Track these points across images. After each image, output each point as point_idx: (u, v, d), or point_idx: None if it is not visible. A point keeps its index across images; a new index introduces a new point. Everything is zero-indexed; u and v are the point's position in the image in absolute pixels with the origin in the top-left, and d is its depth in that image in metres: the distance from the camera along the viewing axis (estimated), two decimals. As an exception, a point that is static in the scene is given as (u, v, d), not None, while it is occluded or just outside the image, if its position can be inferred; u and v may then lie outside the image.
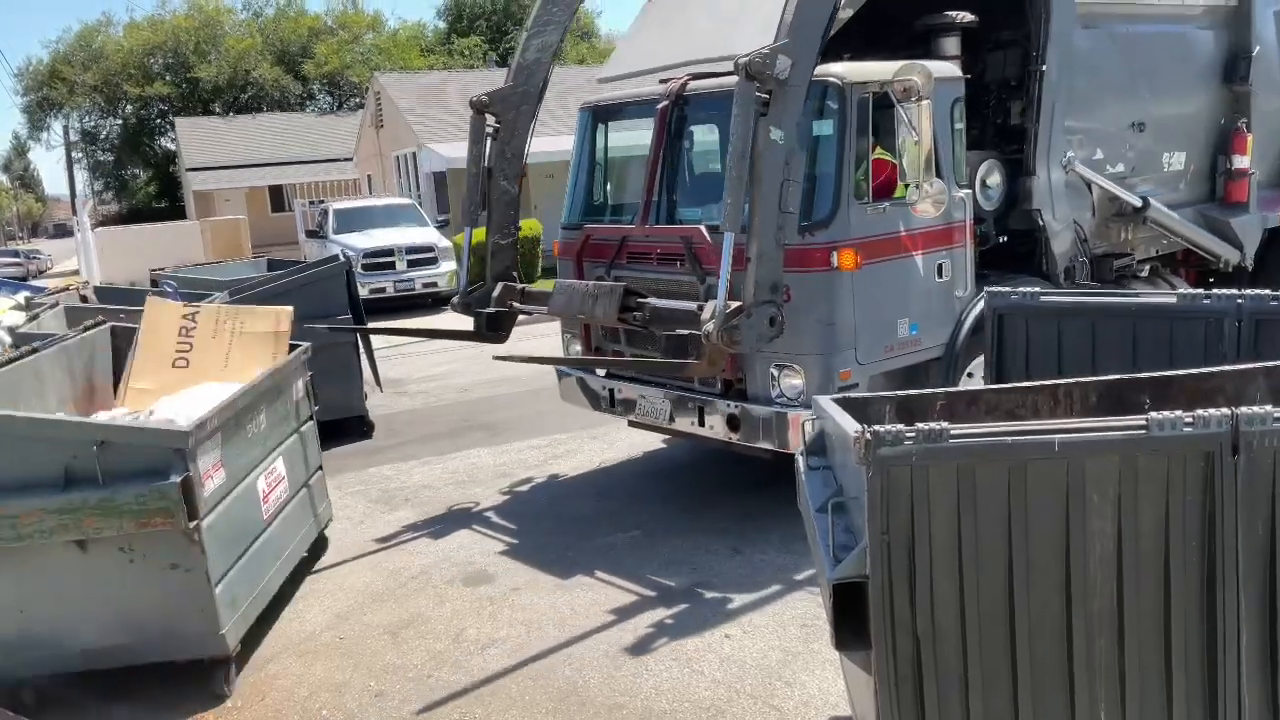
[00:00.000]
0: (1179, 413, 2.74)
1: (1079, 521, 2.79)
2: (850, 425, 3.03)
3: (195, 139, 38.19)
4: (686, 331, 5.43)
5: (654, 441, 8.07)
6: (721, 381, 6.04)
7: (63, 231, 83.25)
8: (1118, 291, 4.74)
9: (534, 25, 7.02)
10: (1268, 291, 4.00)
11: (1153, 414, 2.76)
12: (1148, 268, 7.63)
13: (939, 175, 5.64)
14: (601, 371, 6.88)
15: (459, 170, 22.78)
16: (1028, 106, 6.74)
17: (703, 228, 6.01)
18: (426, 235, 18.57)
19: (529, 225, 20.59)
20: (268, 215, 35.07)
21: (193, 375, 5.83)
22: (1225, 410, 2.73)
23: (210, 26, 47.57)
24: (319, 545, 6.24)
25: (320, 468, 6.23)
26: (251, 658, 4.93)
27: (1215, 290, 4.14)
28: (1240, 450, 2.71)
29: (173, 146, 43.76)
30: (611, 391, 6.76)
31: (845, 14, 5.82)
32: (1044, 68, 6.58)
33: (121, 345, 6.15)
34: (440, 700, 4.41)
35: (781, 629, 4.80)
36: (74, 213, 23.70)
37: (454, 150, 22.43)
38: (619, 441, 8.15)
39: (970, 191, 6.26)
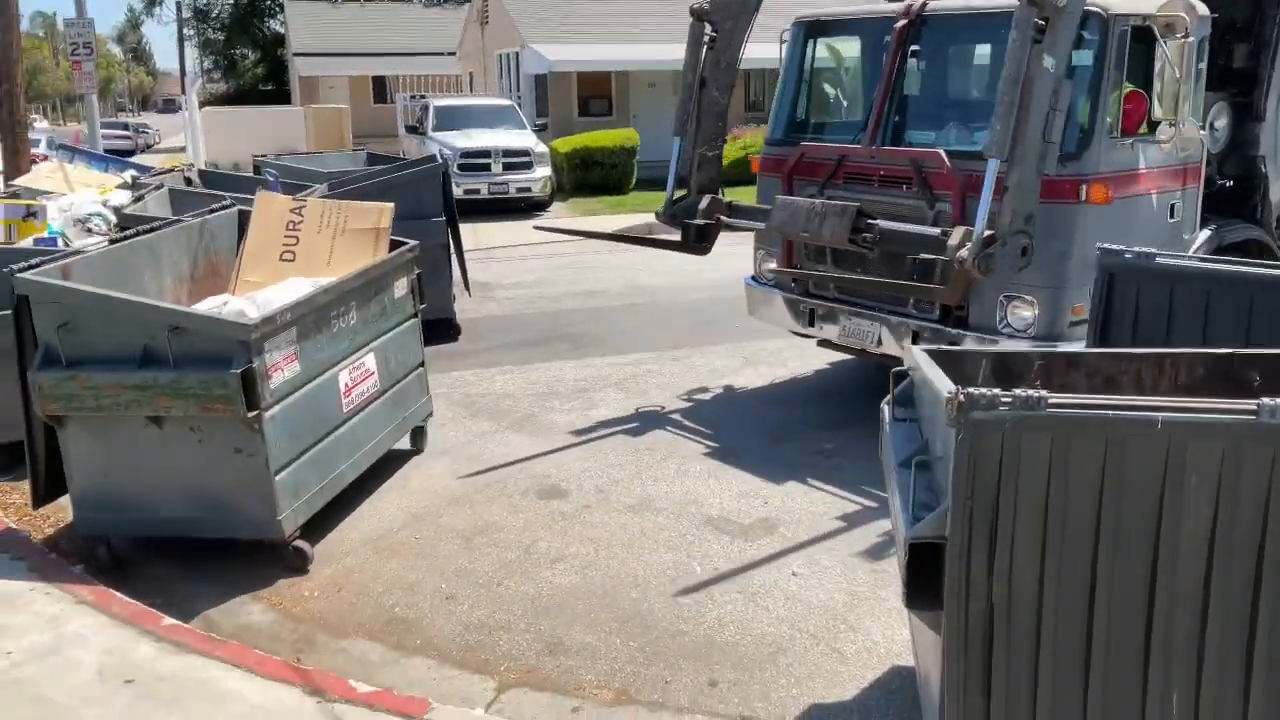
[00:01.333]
0: (1295, 401, 2.61)
1: (1174, 502, 2.69)
2: (944, 384, 2.94)
3: (304, 23, 38.38)
4: (933, 257, 5.50)
5: (733, 367, 8.03)
6: (940, 307, 6.09)
7: (171, 106, 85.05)
8: (1237, 260, 4.50)
9: None
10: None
11: (1264, 399, 2.62)
12: None
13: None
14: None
15: (560, 74, 22.73)
16: (1259, 49, 6.67)
17: (942, 152, 6.04)
18: (524, 139, 18.51)
19: (626, 135, 20.42)
20: (370, 105, 35.28)
21: (298, 268, 5.94)
22: (1344, 401, 2.59)
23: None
24: (420, 439, 6.38)
25: (423, 364, 6.30)
26: (330, 551, 5.09)
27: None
28: (1356, 445, 2.58)
29: (281, 29, 44.06)
30: (813, 310, 6.88)
31: None
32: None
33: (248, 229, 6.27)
34: (509, 609, 4.51)
35: (850, 571, 4.79)
36: (183, 90, 24.12)
37: (557, 52, 22.20)
38: (699, 367, 8.13)
39: (1205, 133, 6.26)
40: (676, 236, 7.34)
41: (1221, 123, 6.56)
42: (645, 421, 6.90)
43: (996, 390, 2.72)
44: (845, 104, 7.57)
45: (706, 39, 6.99)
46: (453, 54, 33.46)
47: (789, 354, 8.38)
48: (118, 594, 4.53)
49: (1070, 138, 5.66)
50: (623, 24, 24.81)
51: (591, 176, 19.86)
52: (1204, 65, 6.13)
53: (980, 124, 6.07)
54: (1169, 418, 2.66)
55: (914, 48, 6.51)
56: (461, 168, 17.28)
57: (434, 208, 8.79)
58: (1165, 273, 4.20)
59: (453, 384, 7.79)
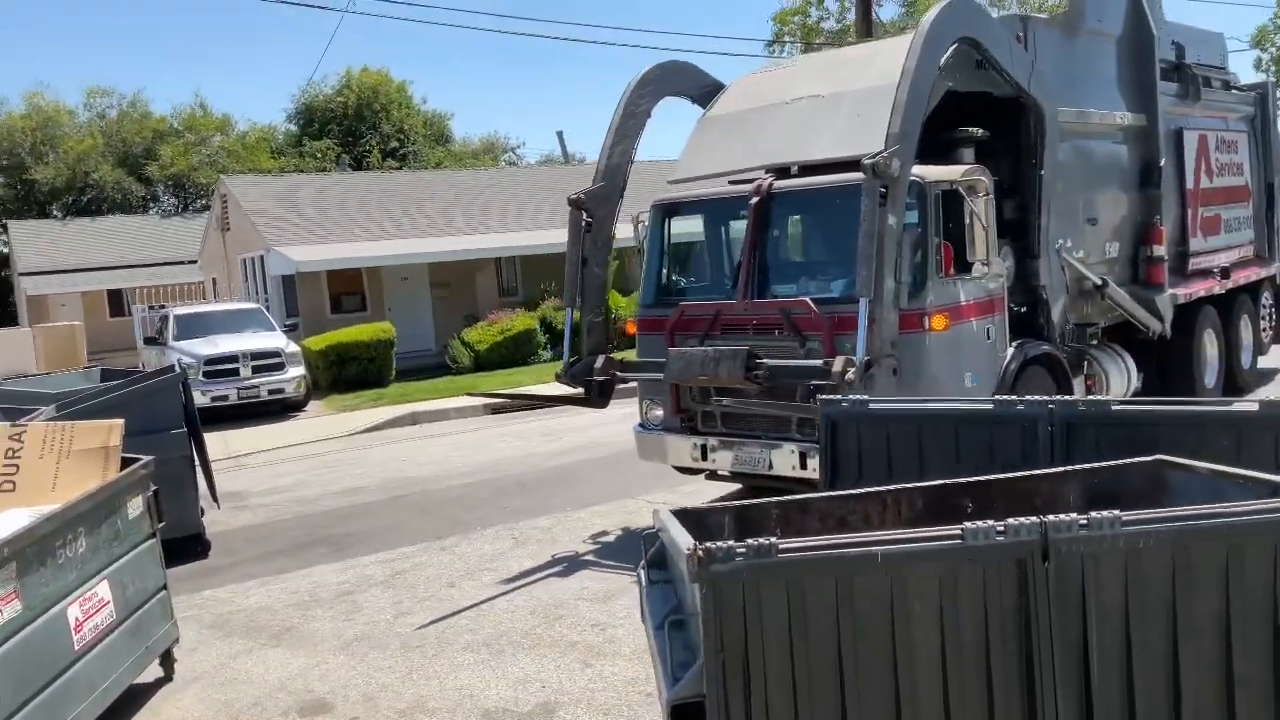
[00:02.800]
0: (992, 523, 2.85)
1: (904, 631, 2.86)
2: (685, 540, 3.04)
3: (28, 241, 36.49)
4: (821, 383, 6.39)
5: (503, 549, 7.94)
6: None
7: (-123, 338, 77.74)
8: (938, 399, 4.95)
9: (615, 136, 8.43)
10: (1076, 398, 4.25)
11: (968, 524, 2.86)
12: (1096, 337, 9.08)
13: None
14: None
15: (307, 274, 22.53)
16: (1025, 203, 8.31)
17: (809, 299, 7.17)
18: (273, 340, 18.06)
19: (381, 328, 20.37)
20: (105, 320, 33.57)
21: (19, 499, 5.49)
22: (1035, 519, 2.86)
23: (49, 127, 45.93)
24: (168, 666, 5.93)
25: (164, 587, 5.88)
26: (61, 809, 4.54)
27: (1027, 396, 4.38)
28: (1050, 556, 2.84)
29: (5, 249, 41.69)
30: (704, 445, 7.74)
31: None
32: (1042, 172, 8.22)
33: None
34: (270, 845, 4.14)
35: (631, 745, 4.71)
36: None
37: (302, 254, 22.08)
38: (469, 554, 7.99)
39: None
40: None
41: (1008, 262, 8.02)
42: (415, 617, 6.66)
43: (731, 542, 2.84)
44: (708, 269, 8.80)
45: (584, 223, 8.25)
46: (194, 262, 32.64)
47: (558, 530, 8.39)
48: None
49: (911, 280, 6.97)
50: (369, 223, 25.09)
51: (348, 372, 19.56)
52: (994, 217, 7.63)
53: (830, 276, 7.58)
54: (887, 550, 2.85)
55: (768, 218, 7.71)
56: (208, 374, 16.66)
57: (173, 419, 8.37)
58: (880, 416, 4.56)
59: (203, 604, 7.28)
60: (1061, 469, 3.83)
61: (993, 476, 3.84)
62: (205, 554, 8.51)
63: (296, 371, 17.73)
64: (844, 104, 7.75)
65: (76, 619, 4.92)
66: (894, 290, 6.57)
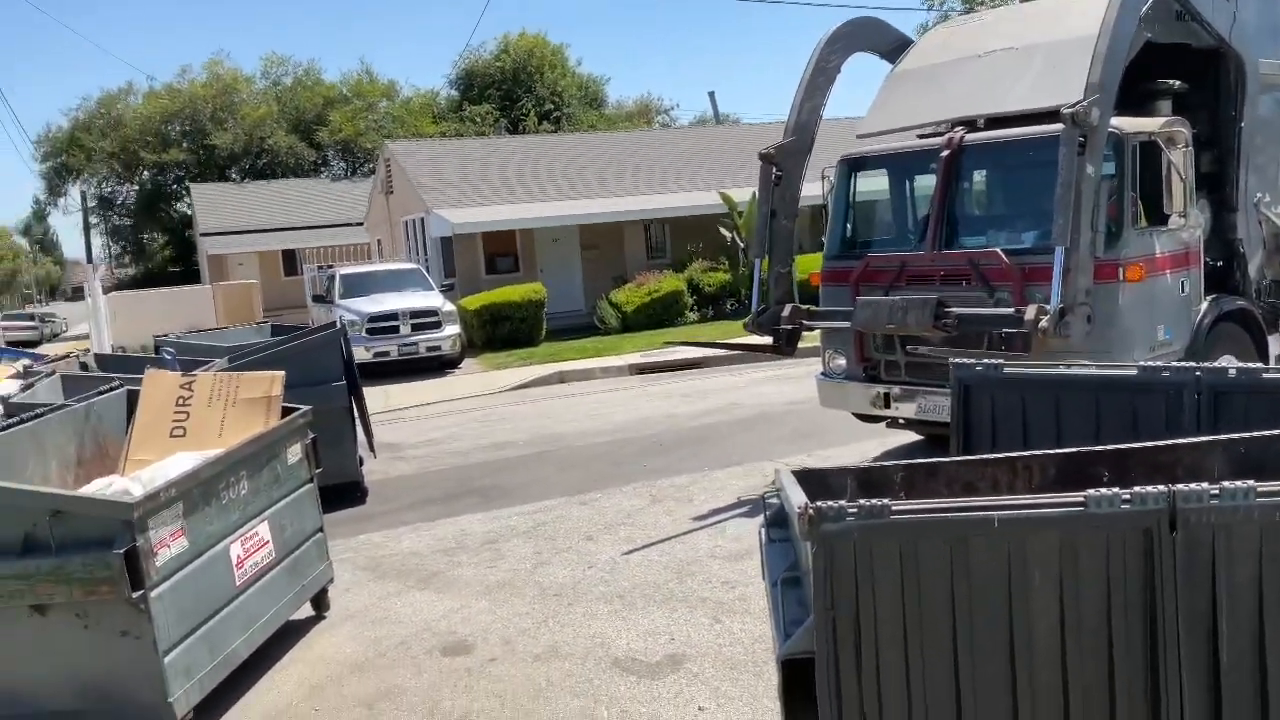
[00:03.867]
0: (1116, 490, 2.77)
1: (1021, 599, 2.81)
2: (798, 498, 3.06)
3: (210, 204, 38.80)
4: (1015, 330, 6.59)
5: (640, 506, 8.09)
6: None
7: (80, 294, 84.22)
8: (1080, 364, 4.78)
9: (805, 92, 8.52)
10: (1225, 365, 4.04)
11: (1090, 491, 2.78)
12: None
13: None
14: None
15: (464, 236, 23.17)
16: (1222, 156, 8.19)
17: (999, 250, 7.27)
18: (430, 299, 18.75)
19: (533, 288, 20.81)
20: (280, 279, 35.45)
21: (189, 443, 5.90)
22: (1162, 487, 2.75)
23: (227, 94, 48.57)
24: (323, 605, 6.30)
25: (320, 530, 6.25)
26: (225, 729, 4.93)
27: (1173, 364, 4.18)
28: (1178, 526, 2.73)
29: (189, 211, 44.45)
30: (887, 394, 7.94)
31: None
32: (1242, 124, 8.08)
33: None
34: (409, 773, 4.39)
35: (755, 701, 4.78)
36: (89, 278, 24.05)
37: (460, 216, 22.74)
38: (607, 509, 8.17)
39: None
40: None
41: (1205, 215, 7.93)
42: (553, 567, 6.88)
43: (844, 502, 2.84)
44: (892, 222, 8.94)
45: (774, 177, 8.45)
46: (360, 224, 34.03)
47: (695, 489, 8.48)
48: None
49: (1108, 230, 6.99)
50: (524, 186, 25.62)
51: (501, 331, 20.11)
52: (1193, 170, 7.54)
53: (1020, 228, 7.65)
54: (1005, 515, 2.79)
55: (959, 171, 7.81)
56: (370, 331, 17.42)
57: (334, 373, 8.83)
58: (1015, 381, 4.44)
59: (358, 547, 7.70)
60: (1205, 439, 3.65)
61: (1130, 445, 3.70)
62: (363, 500, 8.99)
63: (452, 330, 18.37)
64: (1038, 56, 7.64)
65: (238, 556, 5.29)
66: (1090, 240, 6.64)
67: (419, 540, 7.82)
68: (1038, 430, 4.34)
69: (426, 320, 18.10)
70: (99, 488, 5.29)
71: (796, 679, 3.00)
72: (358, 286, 19.44)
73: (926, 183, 8.07)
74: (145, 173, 49.57)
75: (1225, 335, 7.84)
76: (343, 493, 8.75)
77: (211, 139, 46.58)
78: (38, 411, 5.79)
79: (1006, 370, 4.48)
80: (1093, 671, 2.82)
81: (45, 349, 25.69)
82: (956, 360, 4.59)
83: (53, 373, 8.14)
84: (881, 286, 7.81)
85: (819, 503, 2.82)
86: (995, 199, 8.57)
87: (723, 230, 22.60)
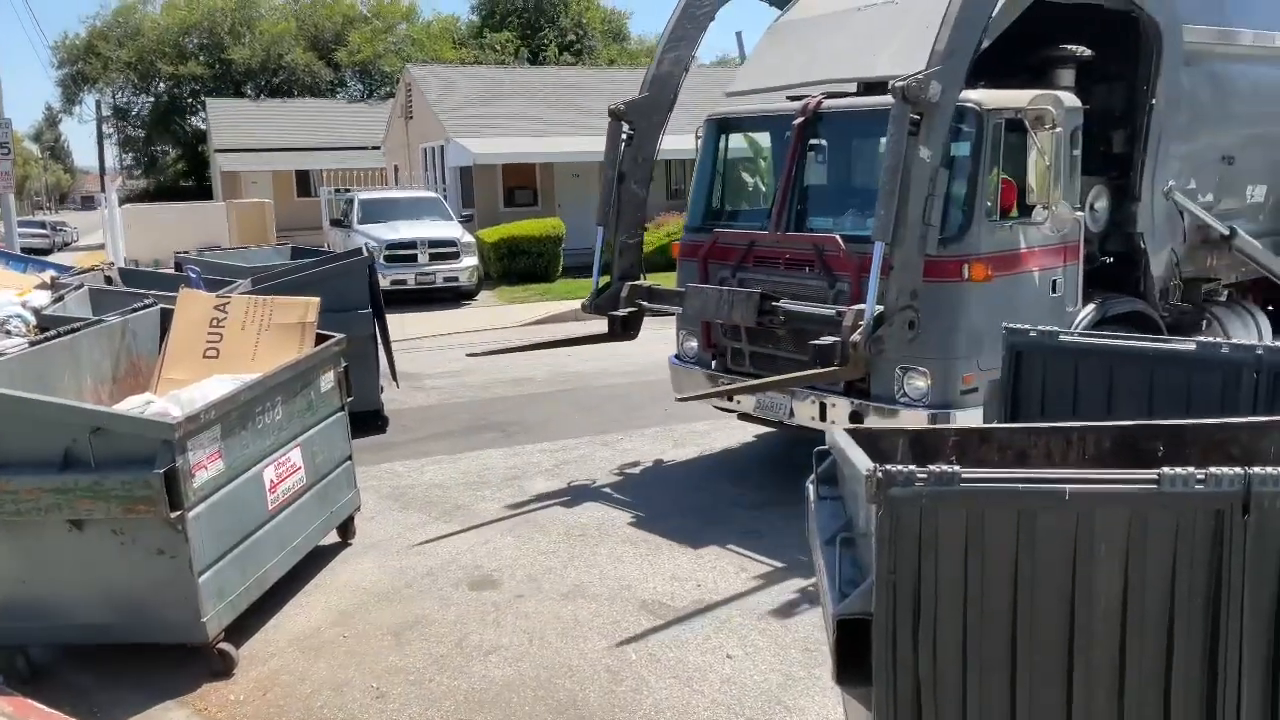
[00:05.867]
0: (1191, 469, 2.74)
1: (1085, 574, 2.79)
2: (863, 462, 3.04)
3: (225, 120, 38.41)
4: (830, 341, 5.82)
5: (662, 450, 8.09)
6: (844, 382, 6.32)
7: (90, 203, 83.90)
8: (1136, 336, 4.72)
9: (668, 40, 7.61)
10: (1288, 345, 3.99)
11: (1164, 469, 2.75)
12: (1226, 294, 7.94)
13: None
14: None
15: (484, 166, 22.93)
16: (1134, 136, 7.07)
17: (838, 236, 6.47)
18: (449, 229, 18.65)
19: (552, 223, 20.67)
20: (293, 200, 35.20)
21: (222, 365, 5.89)
22: (1238, 469, 2.72)
23: (246, 8, 47.86)
24: (348, 533, 6.35)
25: (350, 457, 6.26)
26: (257, 652, 4.98)
27: (1234, 341, 4.14)
28: (1251, 510, 2.71)
29: (203, 126, 44.07)
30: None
31: (984, 44, 6.01)
32: (1154, 101, 6.92)
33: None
34: (441, 706, 4.44)
35: (783, 651, 4.81)
36: (102, 188, 23.89)
37: (481, 145, 22.51)
38: (629, 451, 8.18)
39: (1082, 214, 6.61)
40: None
41: (1101, 204, 6.91)
42: (577, 508, 6.91)
43: (913, 466, 2.82)
44: (754, 193, 8.03)
45: (624, 136, 7.50)
46: (377, 148, 33.71)
47: (716, 435, 8.48)
48: (37, 705, 4.37)
49: (952, 221, 6.09)
50: (544, 119, 25.32)
51: (518, 265, 20.02)
52: (1078, 152, 6.47)
53: (872, 211, 6.23)
54: (1076, 489, 2.77)
55: (812, 142, 6.97)
56: (388, 259, 17.32)
57: (360, 300, 8.80)
58: (1069, 349, 4.39)
59: (382, 476, 7.73)
60: (1265, 419, 3.62)
61: (1187, 421, 3.67)
62: (384, 429, 9.01)
63: (470, 261, 18.29)
64: (913, 13, 6.59)
65: (271, 480, 5.31)
66: (921, 234, 5.66)
67: (442, 472, 7.84)
68: (1088, 400, 4.31)
69: (445, 250, 18.01)
70: (134, 406, 5.28)
71: (849, 638, 3.01)
72: (377, 213, 19.31)
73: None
74: (161, 85, 49.03)
75: None
76: (364, 421, 8.74)
77: (229, 53, 46.02)
78: (74, 326, 5.77)
79: (1061, 338, 4.43)
80: (1151, 653, 2.81)
81: (59, 257, 25.60)
82: (1008, 326, 4.53)
83: (81, 286, 8.09)
84: (729, 266, 7.00)
85: (888, 466, 2.80)
86: (852, 176, 7.48)
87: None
